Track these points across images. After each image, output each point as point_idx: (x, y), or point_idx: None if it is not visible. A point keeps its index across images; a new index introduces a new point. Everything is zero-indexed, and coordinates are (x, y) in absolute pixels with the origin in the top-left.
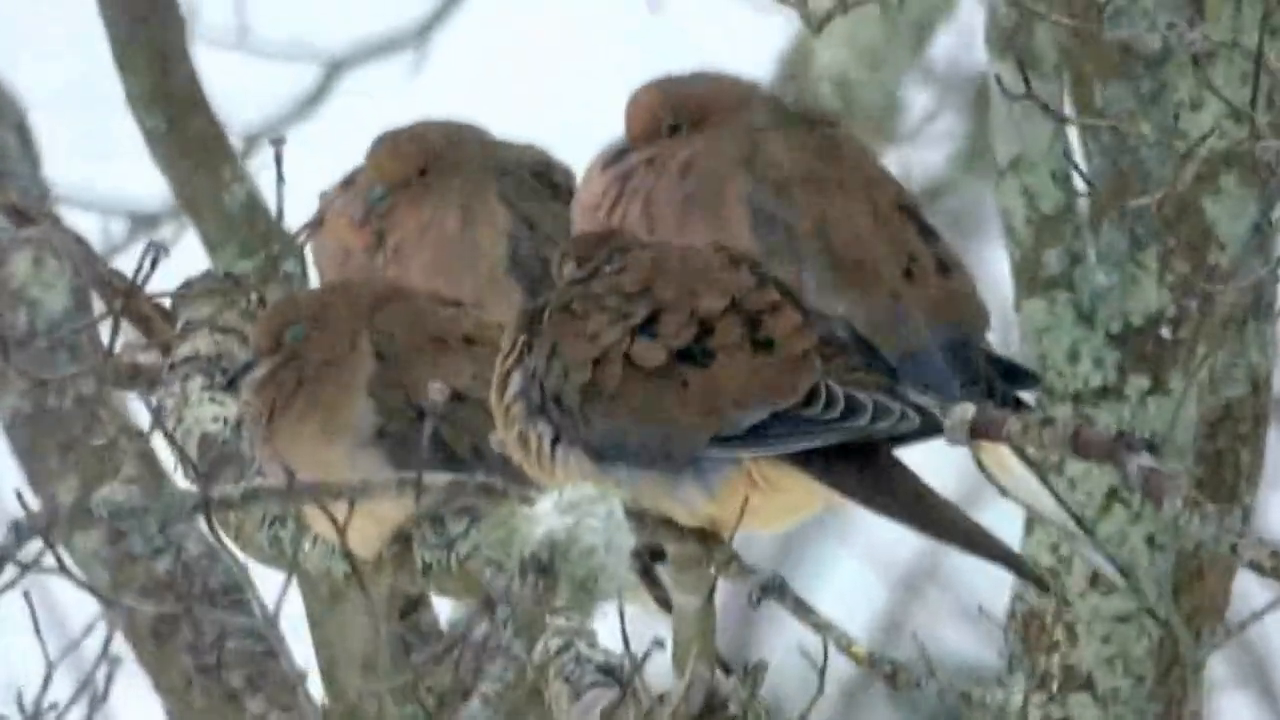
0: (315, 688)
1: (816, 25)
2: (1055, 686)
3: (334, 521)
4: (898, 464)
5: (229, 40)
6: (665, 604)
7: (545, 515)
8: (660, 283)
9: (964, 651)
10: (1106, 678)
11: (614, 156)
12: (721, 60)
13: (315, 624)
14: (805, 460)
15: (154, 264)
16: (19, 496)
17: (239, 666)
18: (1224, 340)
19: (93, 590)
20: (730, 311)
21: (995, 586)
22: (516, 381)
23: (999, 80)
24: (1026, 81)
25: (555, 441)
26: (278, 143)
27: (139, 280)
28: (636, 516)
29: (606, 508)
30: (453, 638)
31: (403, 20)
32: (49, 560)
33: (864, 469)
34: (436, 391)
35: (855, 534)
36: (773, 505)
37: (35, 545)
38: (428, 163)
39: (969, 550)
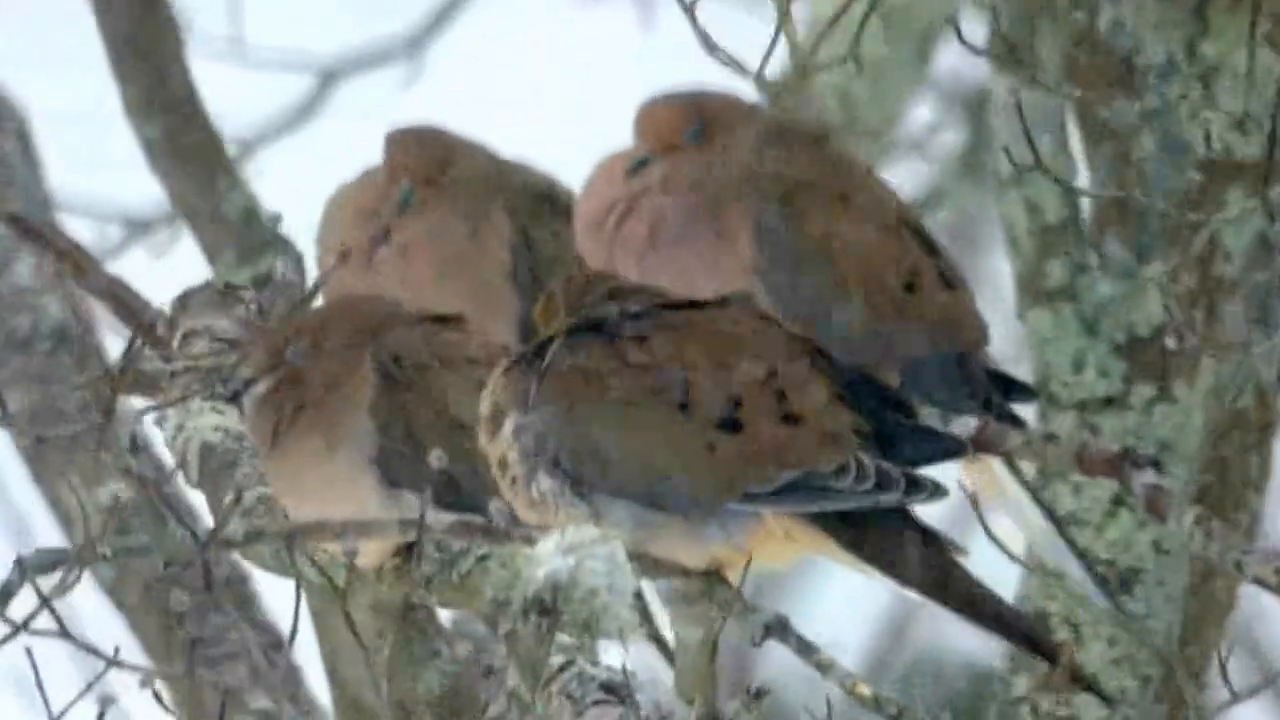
0: (319, 683)
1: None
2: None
3: (331, 581)
4: (919, 530)
5: (222, 50)
6: (667, 652)
7: (547, 556)
8: (692, 349)
9: (971, 650)
10: (1113, 679)
11: (636, 165)
12: (717, 77)
13: (318, 618)
14: (827, 519)
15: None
16: (20, 564)
17: (244, 660)
18: (1230, 350)
19: (94, 651)
20: (761, 383)
21: (1001, 588)
22: (510, 427)
23: (1015, 103)
24: (1035, 153)
25: (558, 491)
26: (274, 221)
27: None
28: (638, 557)
29: (608, 549)
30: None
31: (396, 31)
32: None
33: (884, 535)
34: (436, 459)
35: None
36: (786, 552)
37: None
38: (449, 161)
39: (981, 625)
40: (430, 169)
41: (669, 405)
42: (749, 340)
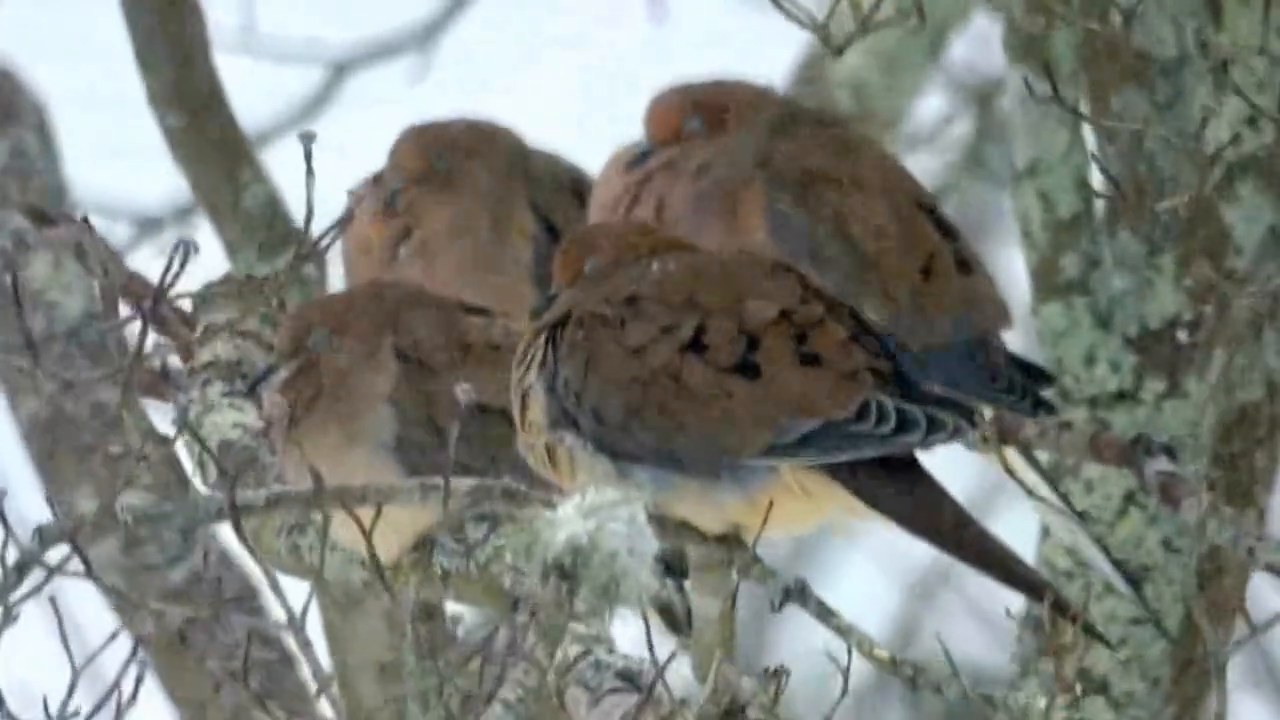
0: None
1: (837, 49)
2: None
3: (360, 525)
4: (932, 481)
5: (234, 41)
6: (675, 623)
7: (567, 520)
8: (705, 292)
9: (978, 655)
10: (1122, 681)
11: (636, 159)
12: (729, 68)
13: (331, 632)
14: (843, 472)
15: (184, 262)
16: (49, 501)
17: (253, 674)
18: (1240, 344)
19: (118, 593)
20: (778, 324)
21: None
22: (538, 391)
23: (1026, 83)
24: (1054, 84)
25: (582, 448)
26: (307, 139)
27: (168, 278)
28: (659, 521)
29: (629, 512)
30: (476, 643)
31: (408, 22)
32: (74, 565)
33: (900, 485)
34: (463, 393)
35: (870, 537)
36: (803, 512)
37: (58, 551)
38: (447, 157)
39: (998, 577)
40: (421, 166)
41: (685, 357)
42: (764, 282)
